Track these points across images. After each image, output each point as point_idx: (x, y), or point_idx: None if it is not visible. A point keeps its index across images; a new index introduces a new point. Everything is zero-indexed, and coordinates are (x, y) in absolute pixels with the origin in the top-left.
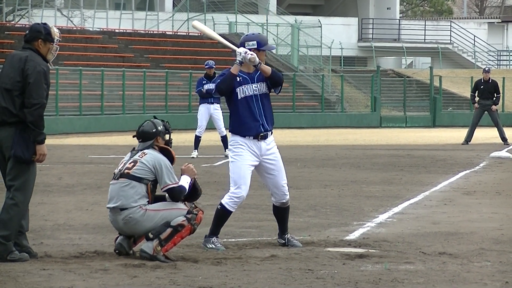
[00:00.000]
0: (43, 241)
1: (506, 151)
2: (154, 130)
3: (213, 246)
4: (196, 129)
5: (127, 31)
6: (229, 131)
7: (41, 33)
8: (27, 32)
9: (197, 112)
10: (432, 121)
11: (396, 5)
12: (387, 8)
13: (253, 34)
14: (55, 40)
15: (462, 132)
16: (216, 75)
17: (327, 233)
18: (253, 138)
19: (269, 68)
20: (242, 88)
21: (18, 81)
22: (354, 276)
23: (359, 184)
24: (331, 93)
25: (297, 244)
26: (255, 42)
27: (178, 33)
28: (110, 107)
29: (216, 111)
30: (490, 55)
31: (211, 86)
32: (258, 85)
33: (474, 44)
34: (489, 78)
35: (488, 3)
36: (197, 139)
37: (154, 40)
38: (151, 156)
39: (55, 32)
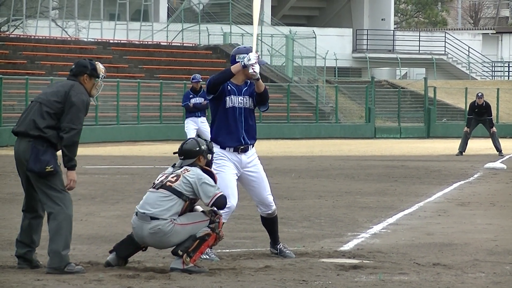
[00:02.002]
0: (37, 252)
1: (501, 162)
2: (197, 149)
3: (207, 256)
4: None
5: (122, 41)
6: (211, 139)
7: (87, 68)
8: (73, 66)
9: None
10: (426, 132)
11: (390, 16)
12: (382, 19)
13: (245, 47)
14: (100, 76)
15: (456, 143)
16: (203, 89)
17: (321, 244)
18: (233, 151)
19: (263, 84)
20: (231, 98)
21: (57, 101)
22: (348, 287)
23: (353, 195)
24: (326, 104)
25: (289, 255)
26: (246, 55)
27: (173, 44)
28: (105, 117)
29: (203, 124)
30: (485, 66)
31: (198, 100)
32: (244, 99)
33: (468, 55)
34: (483, 101)
35: (482, 14)
36: None
37: (149, 51)
38: (194, 173)
39: (101, 68)
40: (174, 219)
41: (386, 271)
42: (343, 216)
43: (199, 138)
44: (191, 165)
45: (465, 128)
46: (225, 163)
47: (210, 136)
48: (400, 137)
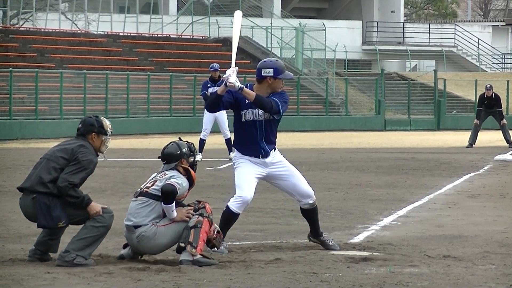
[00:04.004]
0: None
1: (511, 154)
2: (178, 152)
3: (221, 248)
4: (200, 132)
5: (131, 34)
6: (233, 145)
7: (94, 126)
8: (80, 126)
9: (202, 116)
10: (436, 124)
11: (400, 8)
12: (391, 11)
13: (271, 61)
14: (108, 133)
15: (467, 135)
16: (221, 78)
17: (332, 236)
18: (254, 157)
19: (253, 94)
20: (248, 112)
21: (63, 157)
22: (359, 279)
23: (363, 187)
24: (336, 96)
25: (333, 247)
26: (272, 69)
27: (183, 37)
28: (115, 110)
29: (221, 114)
30: (495, 58)
31: (216, 89)
32: (261, 111)
33: (478, 47)
34: (492, 93)
35: (492, 6)
36: (202, 142)
37: (159, 44)
38: (169, 175)
39: (107, 125)
40: (156, 222)
41: (396, 263)
42: (353, 208)
43: (180, 141)
44: (173, 168)
45: (475, 120)
46: (246, 163)
47: (226, 127)
48: (410, 129)
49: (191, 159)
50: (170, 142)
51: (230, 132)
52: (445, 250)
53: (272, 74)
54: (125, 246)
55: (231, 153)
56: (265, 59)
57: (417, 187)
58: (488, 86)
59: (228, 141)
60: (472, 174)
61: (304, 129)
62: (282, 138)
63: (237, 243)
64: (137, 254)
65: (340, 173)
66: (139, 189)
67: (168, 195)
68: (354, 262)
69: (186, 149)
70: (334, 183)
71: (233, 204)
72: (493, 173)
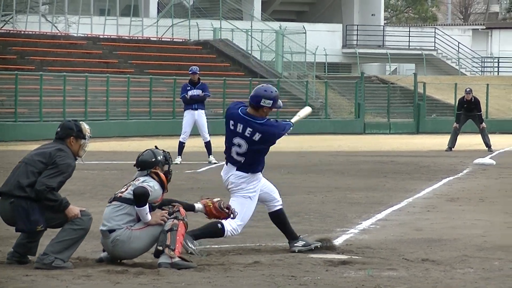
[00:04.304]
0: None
1: (490, 158)
2: (153, 160)
3: (193, 249)
4: (180, 135)
5: (112, 37)
6: (251, 173)
7: (73, 130)
8: (59, 129)
9: (181, 118)
10: (416, 127)
11: (380, 11)
12: (372, 15)
13: (271, 92)
14: (87, 137)
15: (446, 139)
16: (201, 81)
17: (310, 239)
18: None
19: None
20: None
21: (41, 161)
22: (337, 282)
23: (342, 190)
24: (315, 100)
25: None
26: (271, 102)
27: (163, 39)
28: (94, 113)
29: (200, 117)
30: (474, 62)
31: (195, 92)
32: None
33: (458, 51)
34: (471, 97)
35: (472, 10)
36: (181, 145)
37: (139, 46)
38: (141, 180)
39: (86, 129)
40: (131, 226)
41: (375, 267)
42: (332, 211)
43: (156, 149)
44: (145, 175)
45: (455, 124)
46: (257, 191)
47: (205, 130)
48: (390, 132)
49: (166, 167)
50: (146, 150)
51: (210, 135)
52: (424, 253)
53: (270, 106)
54: (104, 249)
55: (210, 156)
56: (264, 87)
57: (396, 190)
58: (467, 89)
59: (207, 144)
60: (451, 178)
61: None
62: None
63: (216, 246)
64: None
65: (319, 176)
66: (113, 195)
67: (139, 197)
68: (333, 266)
69: (161, 157)
70: (313, 186)
71: (230, 231)
72: (472, 177)
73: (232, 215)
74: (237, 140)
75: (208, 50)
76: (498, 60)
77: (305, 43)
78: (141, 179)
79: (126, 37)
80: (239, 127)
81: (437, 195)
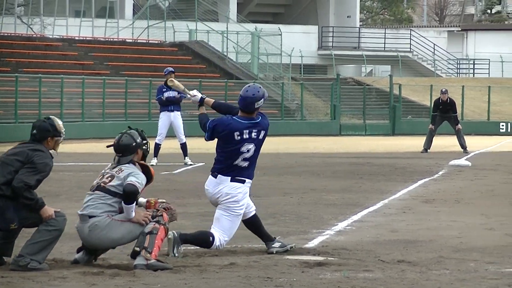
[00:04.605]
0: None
1: (465, 159)
2: (134, 144)
3: (178, 254)
4: (156, 136)
5: (87, 38)
6: (247, 178)
7: (49, 131)
8: (35, 132)
9: (157, 120)
10: (391, 129)
11: (356, 13)
12: (347, 17)
13: (258, 91)
14: (62, 134)
15: (422, 140)
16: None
17: (287, 241)
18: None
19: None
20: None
21: (18, 160)
22: (313, 284)
23: (318, 192)
24: (291, 101)
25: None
26: (262, 99)
27: (138, 41)
28: (70, 114)
29: (176, 118)
30: (450, 64)
31: (171, 93)
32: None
33: (433, 53)
34: (447, 98)
35: (448, 12)
36: (157, 146)
37: (114, 48)
38: (126, 171)
39: (60, 125)
40: (112, 215)
41: (350, 268)
42: (308, 213)
43: (131, 131)
44: (129, 161)
45: (430, 126)
46: (245, 203)
47: (181, 132)
48: (366, 134)
49: (145, 146)
50: (123, 134)
51: (186, 136)
52: (400, 255)
53: (263, 103)
54: (79, 250)
55: (186, 157)
56: (249, 92)
57: (372, 192)
58: (443, 90)
59: (183, 145)
60: (427, 179)
61: None
62: None
63: (192, 247)
64: (92, 258)
65: (295, 177)
66: (95, 183)
67: (129, 196)
68: (308, 267)
69: (139, 139)
70: (290, 187)
71: (219, 245)
72: (448, 178)
73: (163, 217)
74: (246, 147)
75: (184, 52)
76: (474, 61)
77: (281, 45)
78: (125, 169)
79: (101, 39)
80: (246, 134)
81: (412, 197)
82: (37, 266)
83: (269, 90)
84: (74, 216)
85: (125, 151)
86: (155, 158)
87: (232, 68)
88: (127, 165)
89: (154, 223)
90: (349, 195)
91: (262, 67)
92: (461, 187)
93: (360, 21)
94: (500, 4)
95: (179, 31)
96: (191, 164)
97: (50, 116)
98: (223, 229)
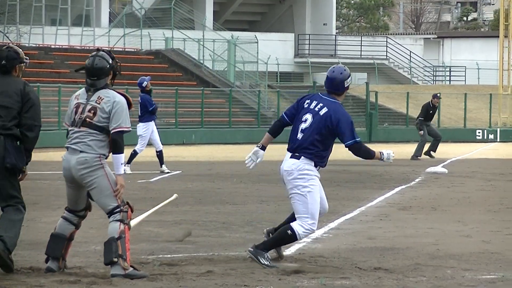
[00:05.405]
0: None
1: (442, 167)
2: (108, 66)
3: (268, 263)
4: (136, 144)
5: (63, 46)
6: (313, 165)
7: (17, 59)
8: (4, 62)
9: (135, 128)
10: (368, 136)
11: (332, 21)
12: (324, 24)
13: (345, 69)
14: (26, 59)
15: (398, 148)
16: (152, 90)
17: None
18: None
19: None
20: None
21: (18, 101)
22: None
23: None
24: (267, 109)
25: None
26: (350, 77)
27: (115, 49)
28: (46, 123)
29: (155, 127)
30: (426, 71)
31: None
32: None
33: (410, 60)
34: (439, 102)
35: (424, 19)
36: (135, 155)
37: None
38: (109, 100)
39: (21, 52)
40: (103, 158)
41: (327, 276)
42: None
43: (102, 52)
44: (105, 86)
45: (421, 132)
46: (317, 183)
47: (159, 139)
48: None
49: (116, 66)
50: (95, 56)
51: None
52: (377, 262)
53: (350, 83)
54: (47, 260)
55: (163, 165)
56: (333, 69)
57: (349, 199)
58: (438, 94)
59: (160, 153)
60: (403, 187)
61: (236, 142)
62: (214, 151)
63: (169, 256)
64: (61, 262)
65: (272, 185)
66: (77, 118)
67: (121, 144)
68: (285, 275)
69: (111, 60)
70: (266, 195)
71: (302, 234)
72: (425, 186)
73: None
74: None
75: (160, 60)
76: (450, 69)
77: (257, 53)
78: (108, 99)
79: (77, 47)
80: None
81: (389, 204)
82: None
83: (246, 98)
84: (52, 224)
85: (100, 74)
86: (128, 165)
87: (208, 76)
88: (105, 91)
89: (119, 224)
90: None
91: (238, 75)
92: (437, 194)
93: (336, 29)
94: (476, 11)
95: (155, 39)
96: (168, 172)
97: (9, 44)
98: (308, 214)
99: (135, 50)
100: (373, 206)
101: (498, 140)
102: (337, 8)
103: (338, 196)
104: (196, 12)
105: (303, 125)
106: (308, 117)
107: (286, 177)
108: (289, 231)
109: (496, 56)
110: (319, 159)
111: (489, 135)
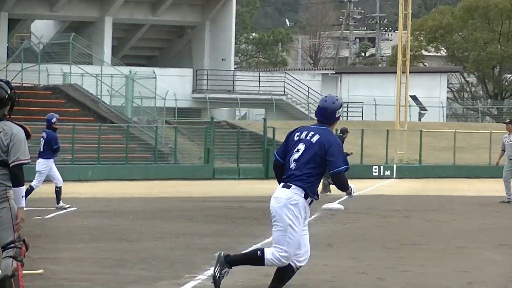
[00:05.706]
0: None
1: (338, 203)
2: (7, 97)
3: (217, 276)
4: (32, 180)
5: None
6: (303, 195)
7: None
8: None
9: (41, 165)
10: (265, 172)
11: (231, 56)
12: (222, 59)
13: (337, 99)
14: None
15: None
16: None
17: (158, 286)
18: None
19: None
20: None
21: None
22: None
23: (191, 236)
24: (165, 145)
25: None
26: (342, 107)
27: (12, 84)
28: None
29: (54, 164)
30: None
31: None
32: None
33: (308, 95)
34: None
35: (322, 55)
36: (32, 190)
37: None
38: (7, 132)
39: None
40: (9, 190)
41: None
42: (180, 257)
43: (0, 81)
44: (0, 119)
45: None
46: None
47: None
48: (239, 177)
49: (14, 96)
50: None
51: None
52: None
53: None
54: None
55: (60, 201)
56: (325, 99)
57: (245, 236)
58: (347, 128)
59: (59, 189)
60: None
61: (132, 178)
62: (110, 187)
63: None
64: None
65: (168, 222)
66: None
67: (20, 177)
68: None
69: (9, 90)
70: (162, 232)
71: (269, 259)
72: (321, 222)
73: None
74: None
75: (58, 95)
76: (348, 105)
77: (155, 88)
78: (6, 132)
79: None
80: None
81: None
82: None
83: (143, 134)
84: None
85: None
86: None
87: (105, 111)
88: (2, 123)
89: (11, 262)
90: (222, 239)
91: (136, 111)
92: (333, 231)
93: (235, 64)
94: (374, 47)
95: (53, 74)
96: (66, 208)
97: None
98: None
99: (33, 85)
100: (269, 243)
101: (394, 176)
102: (235, 43)
103: (235, 232)
104: (94, 47)
105: (295, 155)
106: (301, 147)
107: (273, 204)
108: (259, 252)
109: (393, 92)
110: (311, 188)
111: (386, 171)
